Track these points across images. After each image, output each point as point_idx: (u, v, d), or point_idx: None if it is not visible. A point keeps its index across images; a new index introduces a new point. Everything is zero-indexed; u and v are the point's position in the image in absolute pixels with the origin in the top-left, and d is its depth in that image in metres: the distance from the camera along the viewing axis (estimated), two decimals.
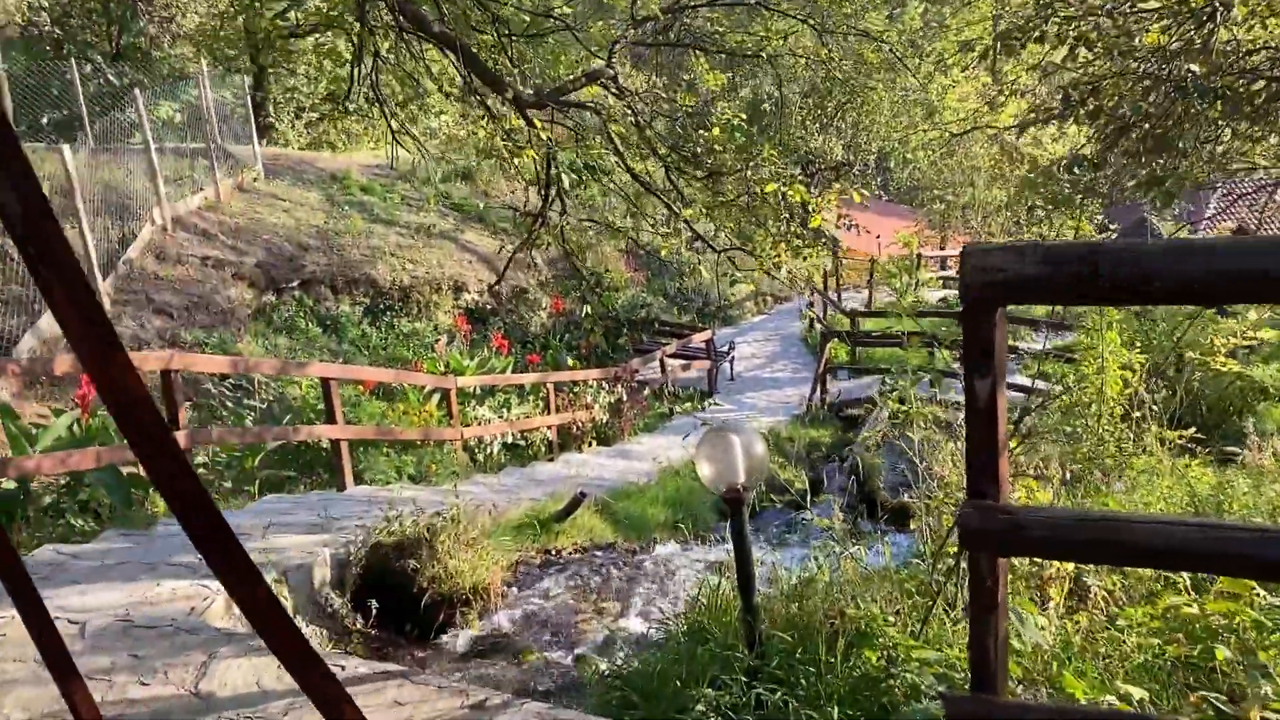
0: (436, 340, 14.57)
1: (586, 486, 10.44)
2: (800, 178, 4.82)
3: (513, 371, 13.14)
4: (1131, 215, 32.84)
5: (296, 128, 27.58)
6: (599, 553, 7.87)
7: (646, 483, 10.85)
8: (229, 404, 9.58)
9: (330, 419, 8.57)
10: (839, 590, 4.39)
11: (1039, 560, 4.36)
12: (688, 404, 17.22)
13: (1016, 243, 2.25)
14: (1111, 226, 31.91)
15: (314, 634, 5.06)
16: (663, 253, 5.55)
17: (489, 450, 11.44)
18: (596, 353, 16.69)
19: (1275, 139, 7.21)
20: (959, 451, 6.25)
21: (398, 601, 5.60)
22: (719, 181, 5.90)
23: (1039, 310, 27.36)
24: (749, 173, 5.25)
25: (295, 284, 15.66)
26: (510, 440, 11.86)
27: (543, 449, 12.33)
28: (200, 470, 8.78)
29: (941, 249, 34.60)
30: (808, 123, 23.35)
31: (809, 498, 10.27)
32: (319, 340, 14.96)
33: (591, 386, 13.26)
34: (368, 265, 16.68)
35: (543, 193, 5.47)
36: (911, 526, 10.26)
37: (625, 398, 13.52)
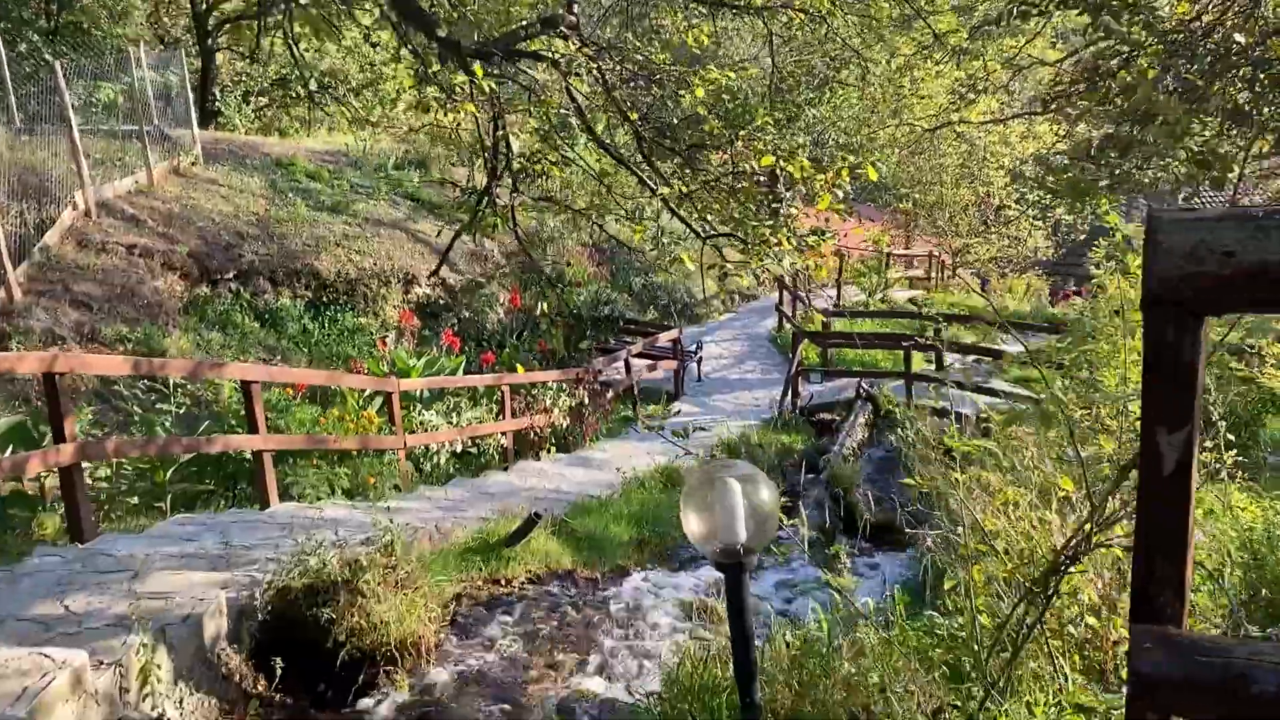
0: (383, 336, 13.56)
1: (544, 499, 9.52)
2: (810, 149, 3.95)
3: (465, 372, 12.16)
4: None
5: (244, 113, 26.36)
6: (555, 583, 6.95)
7: (609, 495, 9.95)
8: (140, 408, 8.52)
9: (252, 428, 7.56)
10: (852, 663, 3.53)
11: (1098, 627, 3.53)
12: (653, 407, 16.33)
13: (1248, 210, 1.37)
14: (1081, 226, 31.62)
15: (200, 704, 4.10)
16: (636, 238, 4.65)
17: (436, 459, 10.47)
18: (557, 353, 15.74)
19: None
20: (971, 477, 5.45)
21: (310, 657, 4.64)
22: (700, 157, 5.04)
23: (1008, 311, 26.81)
24: (739, 144, 4.38)
25: (231, 275, 14.55)
26: (461, 448, 10.89)
27: (496, 457, 11.37)
28: (103, 485, 7.74)
29: (906, 248, 34.09)
30: (776, 113, 22.54)
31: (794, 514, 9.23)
32: (256, 335, 13.88)
33: (551, 389, 12.32)
34: (311, 256, 15.59)
35: (489, 165, 4.55)
36: (907, 553, 9.46)
37: (587, 401, 12.60)
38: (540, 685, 4.70)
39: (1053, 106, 5.93)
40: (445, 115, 4.04)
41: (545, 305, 12.08)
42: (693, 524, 2.69)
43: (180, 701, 3.97)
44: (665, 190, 4.17)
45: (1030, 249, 32.71)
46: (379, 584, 5.04)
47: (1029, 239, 32.32)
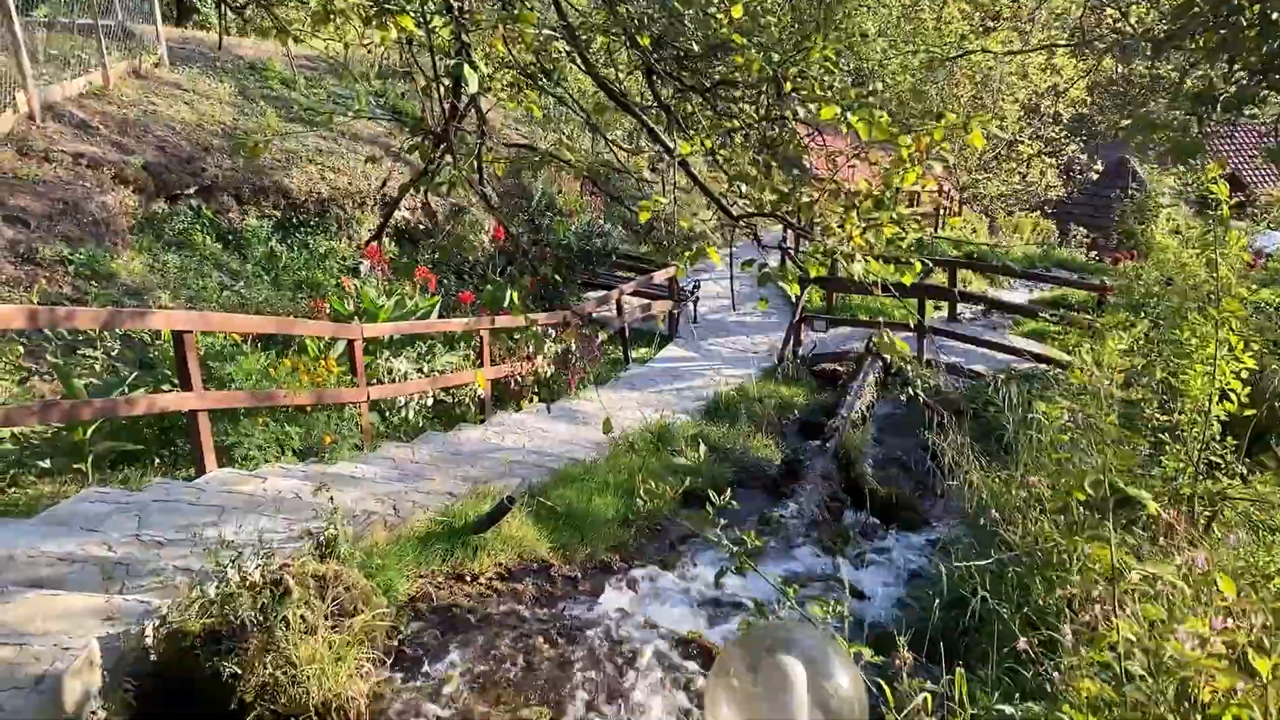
0: (352, 268, 12.41)
1: (522, 463, 8.58)
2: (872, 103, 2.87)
3: (440, 313, 11.08)
4: (1114, 154, 31.18)
5: (223, 9, 24.64)
6: (528, 580, 6.03)
7: (595, 459, 9.02)
8: (53, 356, 7.44)
9: (185, 384, 6.54)
10: None
11: None
12: (644, 349, 15.32)
13: None
14: (1096, 166, 30.30)
15: None
16: (644, 216, 3.63)
17: (404, 412, 9.46)
18: (544, 291, 14.62)
19: None
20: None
21: (210, 715, 3.69)
22: (724, 97, 3.94)
23: (1016, 253, 25.74)
24: (787, 85, 3.30)
25: (192, 190, 13.31)
26: (433, 399, 9.88)
27: (473, 408, 10.37)
28: (9, 449, 6.71)
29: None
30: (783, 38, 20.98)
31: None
32: (218, 258, 12.74)
33: (535, 332, 11.27)
34: (281, 172, 14.34)
35: (446, 101, 3.46)
36: (922, 536, 8.58)
37: (574, 346, 11.56)
38: None
39: (1170, 44, 4.81)
40: (379, 31, 2.96)
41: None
42: None
43: None
44: (686, 149, 3.10)
45: (1042, 188, 31.47)
46: (307, 608, 4.07)
47: (1041, 178, 31.07)
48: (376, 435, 8.86)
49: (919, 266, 3.22)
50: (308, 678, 3.72)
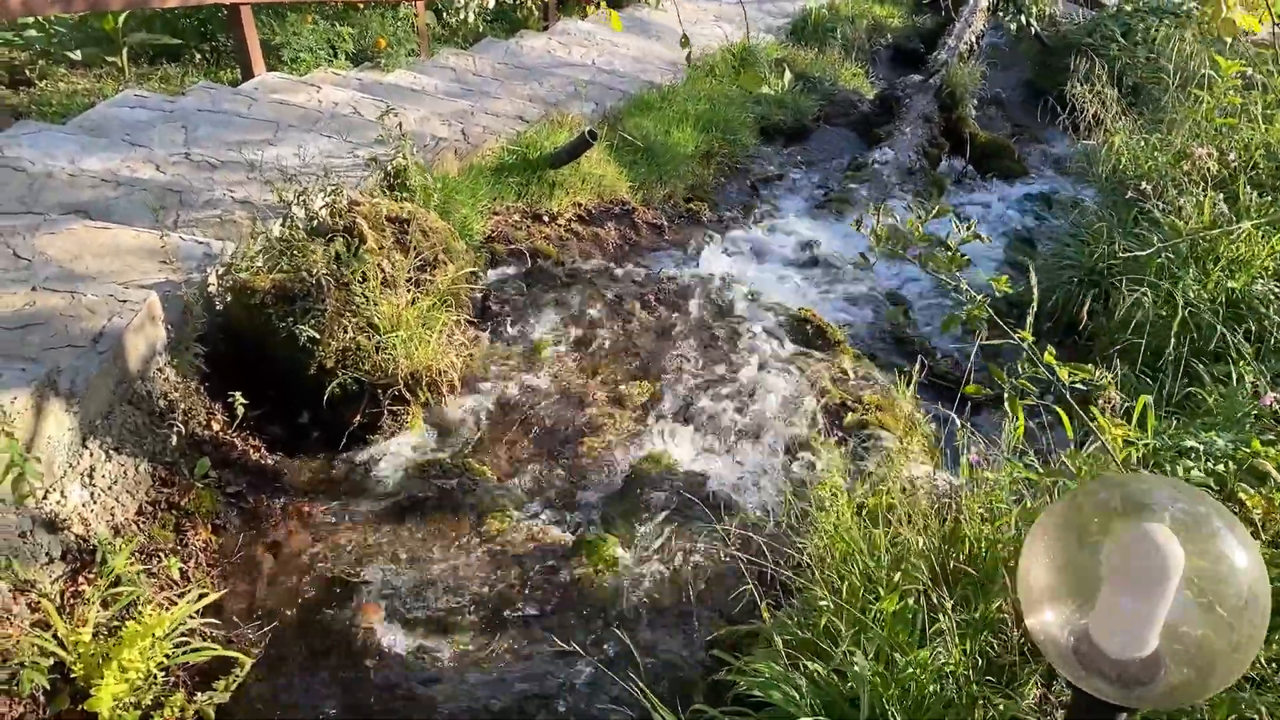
0: None
1: (593, 83, 7.76)
2: None
3: None
4: None
5: None
6: (611, 226, 5.56)
7: (672, 82, 8.16)
8: None
9: None
10: None
11: None
12: None
13: None
14: None
15: (123, 473, 2.88)
16: None
17: (462, 14, 8.44)
18: None
19: None
20: None
21: (281, 384, 3.36)
22: None
23: None
24: None
25: None
26: (494, 1, 8.79)
27: (535, 12, 9.28)
28: (32, 34, 5.95)
29: None
30: None
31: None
32: None
33: None
34: None
35: None
36: (1018, 187, 7.89)
37: None
38: (600, 439, 3.47)
39: None
40: None
41: None
42: (1037, 596, 1.21)
43: (89, 474, 2.75)
44: None
45: None
46: (385, 259, 3.61)
47: None
48: (434, 39, 7.96)
49: None
50: (394, 345, 3.33)
